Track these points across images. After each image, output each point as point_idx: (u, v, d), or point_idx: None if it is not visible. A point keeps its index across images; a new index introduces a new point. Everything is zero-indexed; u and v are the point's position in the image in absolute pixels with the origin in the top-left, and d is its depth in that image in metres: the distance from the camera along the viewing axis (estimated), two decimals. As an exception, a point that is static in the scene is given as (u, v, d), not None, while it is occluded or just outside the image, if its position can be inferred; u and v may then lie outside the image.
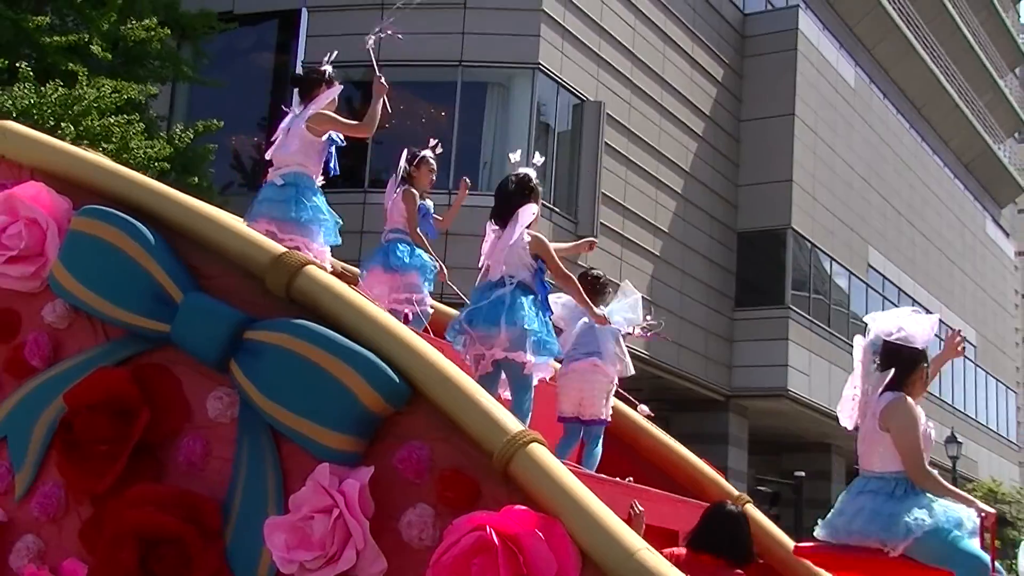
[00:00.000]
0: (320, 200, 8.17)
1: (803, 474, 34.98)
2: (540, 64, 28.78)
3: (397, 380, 3.78)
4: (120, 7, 23.58)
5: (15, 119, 20.68)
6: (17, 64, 21.24)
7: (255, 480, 3.88)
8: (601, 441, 8.09)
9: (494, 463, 3.71)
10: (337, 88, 8.59)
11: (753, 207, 36.33)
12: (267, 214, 7.47)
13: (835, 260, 39.23)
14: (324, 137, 8.17)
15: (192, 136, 24.73)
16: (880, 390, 6.03)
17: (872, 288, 42.20)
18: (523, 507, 3.59)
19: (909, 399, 6.01)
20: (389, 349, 3.81)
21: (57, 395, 4.13)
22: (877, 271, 42.28)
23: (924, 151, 49.06)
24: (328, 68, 8.33)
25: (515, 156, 7.97)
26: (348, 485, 3.67)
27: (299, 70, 28.46)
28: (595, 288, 8.51)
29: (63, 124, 21.19)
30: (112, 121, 22.08)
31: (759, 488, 35.51)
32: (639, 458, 7.89)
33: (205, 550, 3.74)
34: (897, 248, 43.57)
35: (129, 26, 23.64)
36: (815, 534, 6.08)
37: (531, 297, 6.94)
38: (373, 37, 9.22)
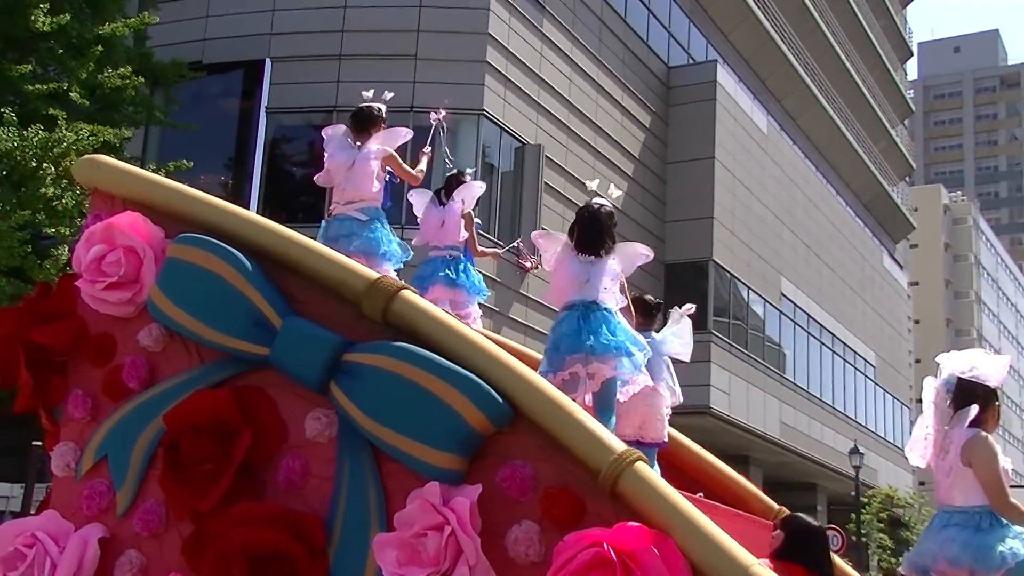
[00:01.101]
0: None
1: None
2: (485, 110, 28.71)
3: (501, 401, 3.63)
4: (98, 57, 23.35)
5: (0, 161, 20.90)
6: (1, 110, 21.05)
7: (357, 498, 3.75)
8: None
9: (601, 481, 3.56)
10: (407, 132, 8.56)
11: (678, 241, 36.48)
12: (359, 248, 7.28)
13: (751, 289, 39.45)
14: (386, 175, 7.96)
15: (164, 176, 24.19)
16: (965, 426, 5.71)
17: (784, 314, 42.49)
18: (636, 524, 3.43)
19: (988, 435, 5.74)
20: (490, 371, 3.67)
21: (155, 416, 4.03)
22: (789, 299, 42.59)
23: (829, 192, 49.70)
24: (383, 108, 8.09)
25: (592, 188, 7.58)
26: (458, 503, 3.53)
27: (261, 115, 28.22)
28: (647, 312, 8.25)
29: (44, 165, 21.03)
30: None
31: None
32: (681, 473, 7.64)
33: (311, 567, 3.63)
34: (806, 278, 43.80)
35: (106, 74, 23.48)
36: (901, 570, 5.97)
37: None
38: (436, 118, 9.23)
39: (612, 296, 6.76)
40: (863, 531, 43.58)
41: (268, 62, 28.85)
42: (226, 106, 29.66)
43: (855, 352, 50.17)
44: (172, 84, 26.75)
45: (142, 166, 25.05)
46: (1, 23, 22.68)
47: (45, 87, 22.55)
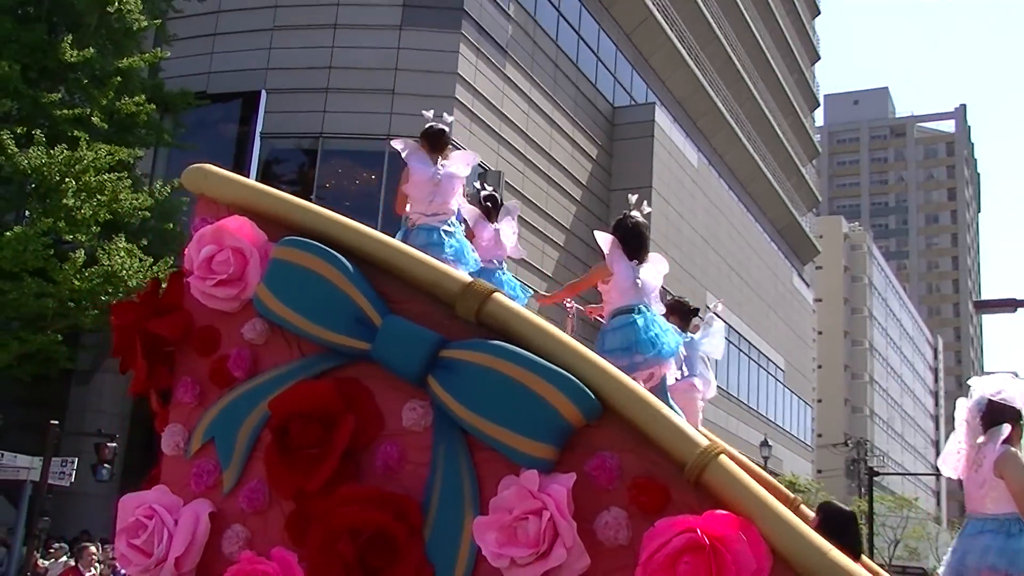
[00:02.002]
0: None
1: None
2: (452, 140, 28.61)
3: (592, 397, 3.54)
4: (117, 86, 23.69)
5: (29, 176, 21.04)
6: (33, 132, 21.37)
7: (451, 483, 3.68)
8: None
9: (686, 473, 3.49)
10: (476, 156, 8.43)
11: (618, 259, 36.51)
12: (449, 256, 6.99)
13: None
14: None
15: (169, 191, 24.55)
16: (999, 443, 5.71)
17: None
18: (723, 512, 3.39)
19: (1017, 451, 5.75)
20: (580, 369, 3.59)
21: (259, 403, 3.98)
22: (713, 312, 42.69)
23: (749, 219, 50.06)
24: (448, 128, 7.81)
25: (634, 203, 7.37)
26: (555, 490, 3.46)
27: (257, 139, 28.28)
28: (685, 315, 8.24)
29: (66, 180, 21.19)
30: (106, 178, 22.10)
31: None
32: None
33: (410, 545, 3.58)
34: (728, 294, 44.06)
35: (123, 102, 23.74)
36: (941, 573, 5.83)
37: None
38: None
39: (655, 299, 6.64)
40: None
41: (264, 93, 28.84)
42: (226, 131, 29.68)
43: (767, 358, 50.63)
44: (180, 111, 26.97)
45: (151, 182, 25.36)
46: (37, 57, 23.01)
47: (71, 112, 22.83)
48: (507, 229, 7.92)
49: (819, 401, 71.44)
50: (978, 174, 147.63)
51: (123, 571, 4.12)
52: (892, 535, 63.50)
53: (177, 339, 4.22)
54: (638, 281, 6.48)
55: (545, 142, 33.29)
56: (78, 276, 21.33)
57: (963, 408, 6.23)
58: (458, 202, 7.45)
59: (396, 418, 3.80)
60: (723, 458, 3.49)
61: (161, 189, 24.42)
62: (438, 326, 3.80)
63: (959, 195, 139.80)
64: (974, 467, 5.84)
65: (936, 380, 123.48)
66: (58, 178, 21.12)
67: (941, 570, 5.90)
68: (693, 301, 32.86)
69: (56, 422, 21.77)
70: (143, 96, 24.13)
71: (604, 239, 6.68)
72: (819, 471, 60.59)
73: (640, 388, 3.74)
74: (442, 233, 7.15)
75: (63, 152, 21.25)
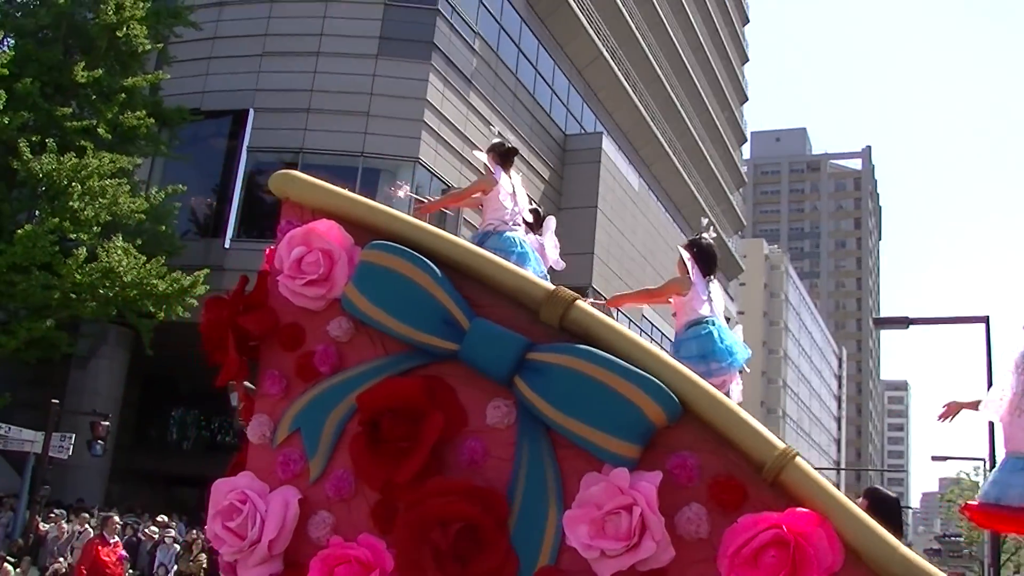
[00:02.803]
0: None
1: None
2: (420, 159, 29.04)
3: (675, 399, 3.41)
4: (121, 102, 24.00)
5: (41, 180, 21.15)
6: (45, 140, 21.63)
7: (536, 478, 3.56)
8: None
9: (765, 473, 3.37)
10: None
11: (566, 270, 36.45)
12: (527, 264, 6.83)
13: (620, 311, 39.67)
14: None
15: (163, 196, 24.78)
16: None
17: (644, 332, 42.93)
18: (803, 509, 3.28)
19: None
20: (661, 373, 3.46)
21: (345, 397, 3.83)
22: (648, 320, 43.11)
23: (682, 239, 49.80)
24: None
25: (706, 225, 7.09)
26: (644, 487, 3.32)
27: (244, 153, 28.29)
28: None
29: (73, 184, 21.26)
30: (108, 183, 22.34)
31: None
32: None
33: (497, 535, 3.46)
34: (663, 306, 44.29)
35: (126, 116, 23.97)
36: (984, 498, 5.62)
37: None
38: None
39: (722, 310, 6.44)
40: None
41: (252, 111, 29.01)
42: (217, 144, 29.72)
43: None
44: (176, 125, 27.05)
45: (147, 188, 25.38)
46: (53, 75, 23.33)
47: (80, 124, 23.09)
48: (550, 241, 7.68)
49: (739, 403, 71.87)
50: (880, 207, 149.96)
51: (218, 551, 3.79)
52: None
53: (262, 334, 4.07)
54: (711, 296, 6.31)
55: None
56: (80, 271, 21.49)
57: (1010, 358, 6.01)
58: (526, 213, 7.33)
59: (478, 415, 3.67)
60: (799, 459, 3.42)
61: (156, 195, 24.64)
62: (521, 330, 3.66)
63: (863, 224, 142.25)
64: (1017, 412, 5.66)
65: (840, 386, 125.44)
66: (66, 182, 21.36)
67: (979, 497, 5.74)
68: (630, 311, 33.31)
69: (56, 401, 21.96)
70: (144, 111, 24.39)
71: (686, 256, 6.47)
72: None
73: (718, 393, 3.63)
74: (519, 241, 7.04)
75: (71, 159, 21.53)
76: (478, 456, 3.62)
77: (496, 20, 34.33)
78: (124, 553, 14.15)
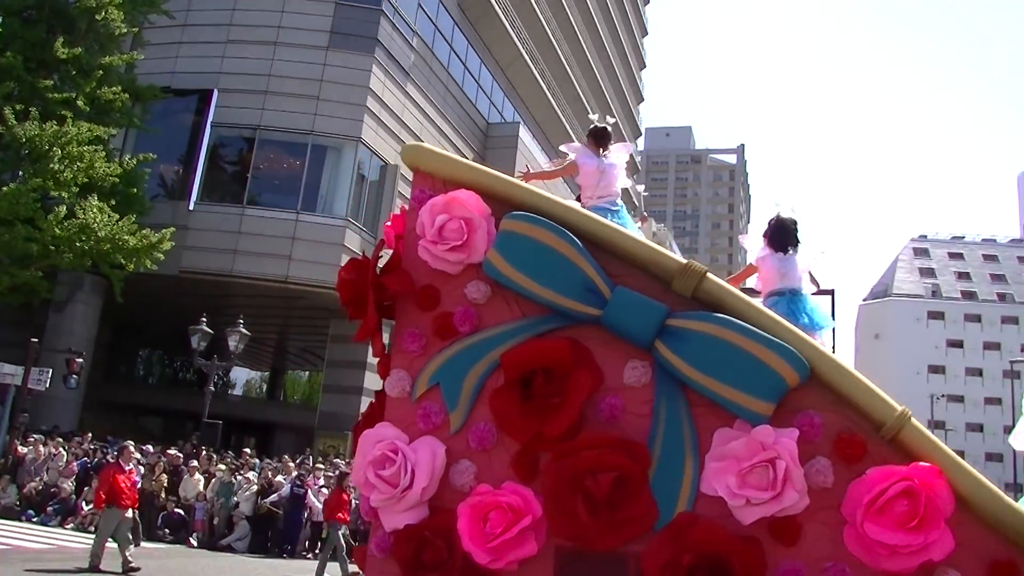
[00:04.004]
0: None
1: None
2: (362, 139, 28.82)
3: (806, 362, 3.29)
4: (99, 78, 23.45)
5: (24, 144, 20.59)
6: (29, 109, 21.34)
7: (673, 432, 3.39)
8: None
9: (884, 431, 3.27)
10: (629, 146, 7.54)
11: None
12: None
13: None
14: None
15: (135, 163, 24.34)
16: None
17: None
18: (925, 464, 3.19)
19: None
20: (789, 339, 3.35)
21: (484, 355, 3.62)
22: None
23: (583, 215, 50.58)
24: (609, 128, 7.09)
25: (779, 206, 6.30)
26: (785, 443, 3.20)
27: (208, 128, 27.68)
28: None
29: (53, 149, 20.75)
30: (85, 149, 21.91)
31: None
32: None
33: (641, 484, 3.32)
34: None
35: (103, 91, 23.50)
36: (1011, 439, 5.31)
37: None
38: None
39: (806, 283, 6.03)
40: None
41: (216, 91, 28.53)
42: (184, 119, 29.11)
43: None
44: (147, 101, 26.43)
45: (121, 155, 24.81)
46: (36, 51, 22.85)
47: (61, 96, 22.60)
48: (618, 159, 6.98)
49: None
50: (750, 195, 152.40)
51: (369, 497, 3.44)
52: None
53: (399, 294, 3.83)
54: (782, 270, 5.93)
55: (434, 145, 32.97)
56: (59, 226, 21.16)
57: None
58: (620, 185, 6.88)
59: (615, 374, 3.49)
60: (914, 420, 3.32)
61: (129, 161, 24.24)
62: (655, 298, 3.49)
63: (735, 209, 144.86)
64: None
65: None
66: (47, 147, 20.94)
67: None
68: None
69: (36, 340, 21.72)
70: (119, 87, 23.95)
71: (752, 241, 6.21)
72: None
73: (841, 359, 3.50)
74: (608, 213, 6.51)
75: (52, 127, 21.22)
76: (617, 412, 3.47)
77: (432, 21, 34.13)
78: (137, 479, 13.85)
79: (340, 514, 15.90)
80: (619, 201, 6.74)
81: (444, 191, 3.85)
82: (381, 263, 4.06)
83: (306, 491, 19.17)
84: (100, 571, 12.26)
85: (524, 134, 39.45)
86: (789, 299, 5.75)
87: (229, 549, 18.37)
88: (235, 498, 19.31)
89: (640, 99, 68.68)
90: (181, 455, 20.85)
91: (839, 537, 3.22)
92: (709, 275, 3.52)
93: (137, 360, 45.42)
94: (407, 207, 4.07)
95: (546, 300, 3.56)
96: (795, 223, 6.11)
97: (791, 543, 3.25)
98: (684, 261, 3.58)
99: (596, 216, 3.83)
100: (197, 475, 19.67)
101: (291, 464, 21.23)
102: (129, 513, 13.03)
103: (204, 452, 21.96)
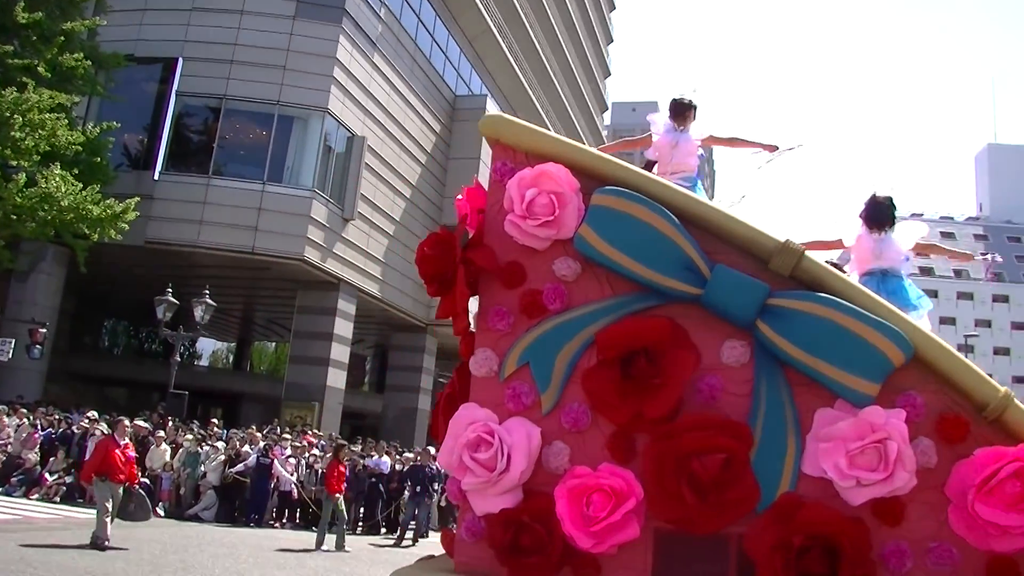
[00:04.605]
0: None
1: (466, 373, 35.37)
2: (329, 109, 28.47)
3: (910, 343, 3.20)
4: (61, 45, 22.77)
5: None
6: None
7: (775, 412, 3.29)
8: None
9: (988, 412, 3.21)
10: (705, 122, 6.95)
11: (452, 211, 36.17)
12: None
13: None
14: None
15: (99, 131, 23.79)
16: None
17: (514, 266, 43.23)
18: None
19: None
20: (892, 319, 3.26)
21: (576, 334, 3.47)
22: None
23: (550, 188, 50.53)
24: (693, 99, 6.71)
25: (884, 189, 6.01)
26: (895, 423, 3.13)
27: (173, 97, 27.22)
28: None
29: (14, 116, 20.27)
30: (47, 117, 21.31)
31: (441, 379, 35.85)
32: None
33: (745, 464, 3.21)
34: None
35: (65, 57, 22.77)
36: None
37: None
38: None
39: (902, 263, 5.78)
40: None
41: (181, 60, 28.05)
42: (148, 88, 28.61)
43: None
44: (111, 68, 25.81)
45: (84, 123, 24.30)
46: None
47: (22, 62, 21.91)
48: (695, 134, 6.66)
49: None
50: (714, 170, 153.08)
51: (463, 480, 3.23)
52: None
53: (485, 270, 3.63)
54: (876, 250, 5.73)
55: (401, 117, 33.11)
56: (20, 194, 20.69)
57: None
58: (696, 160, 6.60)
59: (712, 354, 3.38)
60: (1017, 401, 3.24)
61: (92, 130, 23.64)
62: (753, 277, 3.38)
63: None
64: None
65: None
66: (8, 114, 20.36)
67: None
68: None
69: None
70: (82, 54, 23.27)
71: (848, 220, 5.97)
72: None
73: (942, 340, 3.39)
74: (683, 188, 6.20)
75: (13, 93, 20.54)
76: (716, 392, 3.37)
77: (400, -8, 33.62)
78: (134, 455, 13.56)
79: (338, 486, 15.95)
80: (693, 177, 6.45)
81: (527, 164, 3.67)
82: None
83: (272, 461, 19.11)
84: (106, 548, 12.00)
85: (491, 107, 39.22)
86: (880, 279, 5.57)
87: (196, 519, 18.35)
88: (202, 468, 19.24)
89: (607, 73, 68.57)
90: (148, 426, 20.66)
91: (943, 517, 3.19)
92: (807, 254, 3.43)
93: (102, 331, 44.88)
94: (478, 180, 3.91)
95: (642, 278, 3.41)
96: (891, 202, 5.90)
97: (895, 523, 3.20)
98: (782, 240, 3.45)
99: (692, 194, 3.69)
100: (164, 445, 19.52)
101: (258, 434, 21.12)
102: (122, 488, 12.72)
103: (170, 423, 21.80)
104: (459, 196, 3.92)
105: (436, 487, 20.37)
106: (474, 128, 33.09)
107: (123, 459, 12.77)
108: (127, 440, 13.41)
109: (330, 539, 15.57)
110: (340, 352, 30.00)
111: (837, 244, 6.03)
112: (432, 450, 21.45)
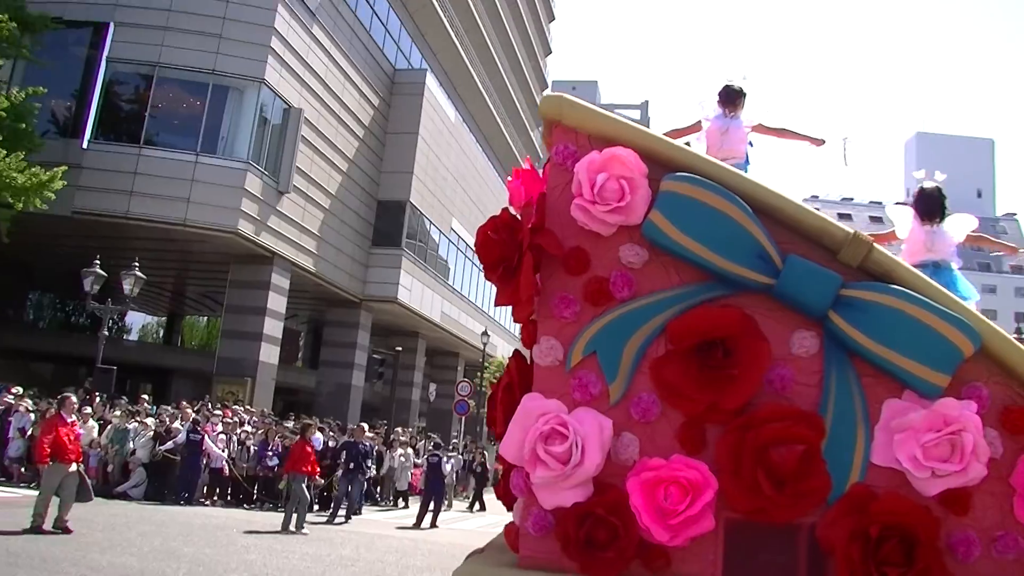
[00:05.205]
0: None
1: (400, 348, 35.20)
2: (265, 80, 27.91)
3: (979, 335, 3.22)
4: None
5: None
6: None
7: (845, 403, 3.26)
8: None
9: None
10: (759, 106, 6.87)
11: (389, 186, 36.53)
12: None
13: (432, 223, 39.95)
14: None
15: (24, 96, 22.82)
16: None
17: (452, 242, 43.18)
18: None
19: None
20: (959, 311, 3.27)
21: (645, 322, 3.37)
22: (456, 232, 43.31)
23: (489, 165, 50.75)
24: (744, 87, 6.60)
25: (920, 175, 6.11)
26: (969, 415, 3.14)
27: (103, 63, 26.35)
28: None
29: (-70, 83, 19.22)
30: None
31: (375, 355, 35.56)
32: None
33: (818, 455, 3.17)
34: (469, 220, 44.77)
35: None
36: None
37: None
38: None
39: (953, 255, 5.76)
40: (484, 385, 44.96)
41: (112, 25, 27.08)
42: (77, 52, 27.58)
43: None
44: (38, 31, 24.80)
45: (8, 88, 23.36)
46: None
47: None
48: (746, 121, 6.56)
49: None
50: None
51: (536, 472, 3.07)
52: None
53: (555, 256, 3.49)
54: (928, 242, 5.71)
55: (339, 89, 32.60)
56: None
57: None
58: (745, 147, 6.50)
59: (781, 344, 3.35)
60: None
61: (17, 95, 22.66)
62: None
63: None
64: None
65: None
66: (-76, 80, 19.26)
67: None
68: (441, 223, 33.09)
69: None
70: (6, 15, 22.23)
71: (897, 211, 5.95)
72: (523, 356, 62.42)
73: (1005, 332, 3.41)
74: None
75: None
76: (787, 382, 3.31)
77: (339, -39, 32.99)
78: (80, 431, 12.99)
79: (305, 467, 15.58)
80: (744, 163, 6.34)
81: (590, 147, 3.55)
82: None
83: (203, 437, 18.73)
84: (43, 531, 11.53)
85: (431, 81, 38.92)
86: (932, 271, 5.47)
87: (124, 496, 17.97)
88: (131, 445, 18.79)
89: (548, 51, 68.41)
90: (75, 401, 20.07)
91: (1008, 506, 3.23)
92: (877, 245, 3.39)
93: (27, 303, 43.56)
94: (527, 159, 3.77)
95: (715, 266, 3.34)
96: (939, 192, 5.87)
97: (963, 512, 3.23)
98: (851, 231, 3.42)
99: (760, 181, 3.61)
100: (91, 422, 18.99)
101: (189, 410, 20.67)
102: (73, 467, 12.15)
103: (98, 399, 21.24)
104: (510, 178, 3.83)
105: (369, 464, 20.19)
106: (413, 103, 33.07)
107: (71, 438, 12.27)
108: (74, 418, 12.93)
109: (271, 517, 15.28)
110: (273, 327, 29.53)
111: (890, 236, 5.94)
112: (365, 427, 21.29)
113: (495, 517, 21.21)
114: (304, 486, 15.45)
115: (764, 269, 3.31)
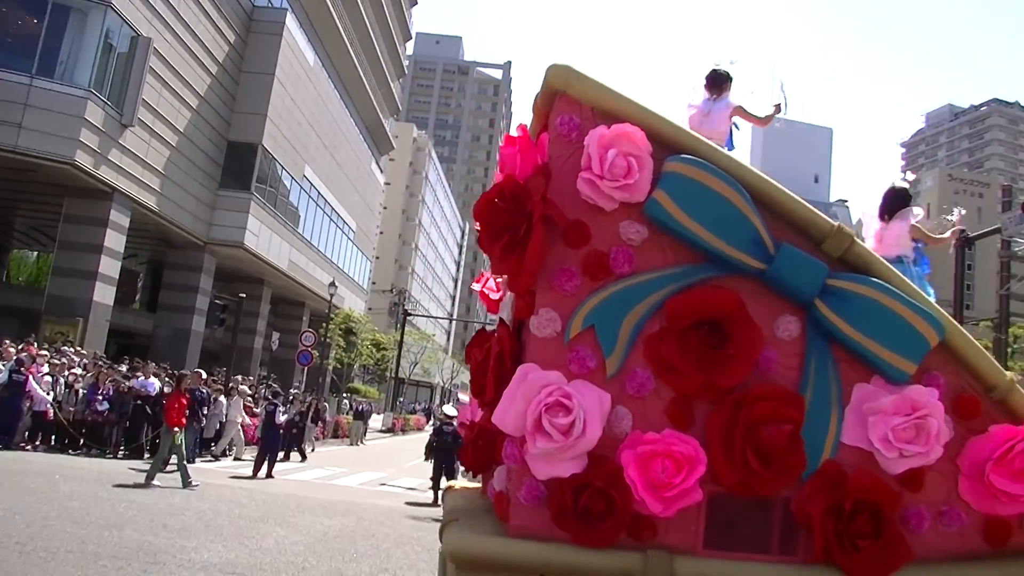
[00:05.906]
0: None
1: (244, 295, 34.05)
2: (111, 4, 26.31)
3: (943, 327, 3.43)
4: None
5: None
6: None
7: (822, 385, 3.40)
8: None
9: (995, 392, 3.52)
10: (747, 92, 6.88)
11: (240, 127, 35.21)
12: None
13: (284, 169, 38.84)
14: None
15: None
16: None
17: (303, 189, 42.24)
18: None
19: None
20: (925, 304, 3.44)
21: (643, 299, 3.37)
22: (308, 179, 42.39)
23: (346, 114, 49.69)
24: (730, 71, 6.56)
25: (904, 177, 6.32)
26: (932, 402, 3.36)
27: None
28: None
29: None
30: None
31: (217, 300, 34.36)
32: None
33: (798, 434, 3.30)
34: (322, 168, 43.78)
35: None
36: None
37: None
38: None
39: (909, 249, 5.86)
40: (329, 336, 44.32)
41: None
42: None
43: (344, 220, 50.76)
44: None
45: None
46: None
47: None
48: (727, 104, 6.59)
49: (377, 258, 72.76)
50: (512, 112, 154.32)
51: (536, 443, 2.84)
52: (414, 359, 66.92)
53: (560, 227, 3.43)
54: (881, 237, 5.85)
55: (192, 21, 31.05)
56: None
57: None
58: (726, 128, 6.47)
59: (766, 327, 3.43)
60: (1019, 385, 3.58)
61: None
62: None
63: (496, 125, 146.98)
64: None
65: (460, 252, 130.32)
66: None
67: None
68: (294, 169, 32.24)
69: None
70: None
71: (871, 209, 6.04)
72: (369, 308, 61.98)
73: (956, 323, 3.61)
74: None
75: None
76: (771, 364, 3.43)
77: None
78: None
79: (180, 419, 14.70)
80: (726, 145, 6.35)
81: (593, 122, 3.51)
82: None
83: (27, 378, 17.59)
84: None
85: (291, 21, 37.60)
86: (898, 266, 5.44)
87: (-65, 439, 16.65)
88: (-55, 384, 17.45)
89: (413, 2, 67.19)
90: None
91: (953, 484, 3.53)
92: (857, 239, 3.56)
93: None
94: (520, 126, 3.82)
95: (713, 248, 3.41)
96: (896, 191, 6.01)
97: (917, 489, 3.48)
98: (836, 223, 3.56)
99: (756, 170, 3.64)
100: (-99, 358, 17.53)
101: (12, 349, 19.36)
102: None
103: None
104: (503, 144, 3.83)
105: (205, 412, 19.48)
106: (271, 43, 31.91)
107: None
108: (46, 368, 11.89)
109: (97, 463, 14.46)
110: (110, 266, 28.01)
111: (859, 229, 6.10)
112: (203, 373, 20.47)
113: (323, 471, 21.09)
114: (177, 439, 14.68)
115: (759, 254, 3.43)
